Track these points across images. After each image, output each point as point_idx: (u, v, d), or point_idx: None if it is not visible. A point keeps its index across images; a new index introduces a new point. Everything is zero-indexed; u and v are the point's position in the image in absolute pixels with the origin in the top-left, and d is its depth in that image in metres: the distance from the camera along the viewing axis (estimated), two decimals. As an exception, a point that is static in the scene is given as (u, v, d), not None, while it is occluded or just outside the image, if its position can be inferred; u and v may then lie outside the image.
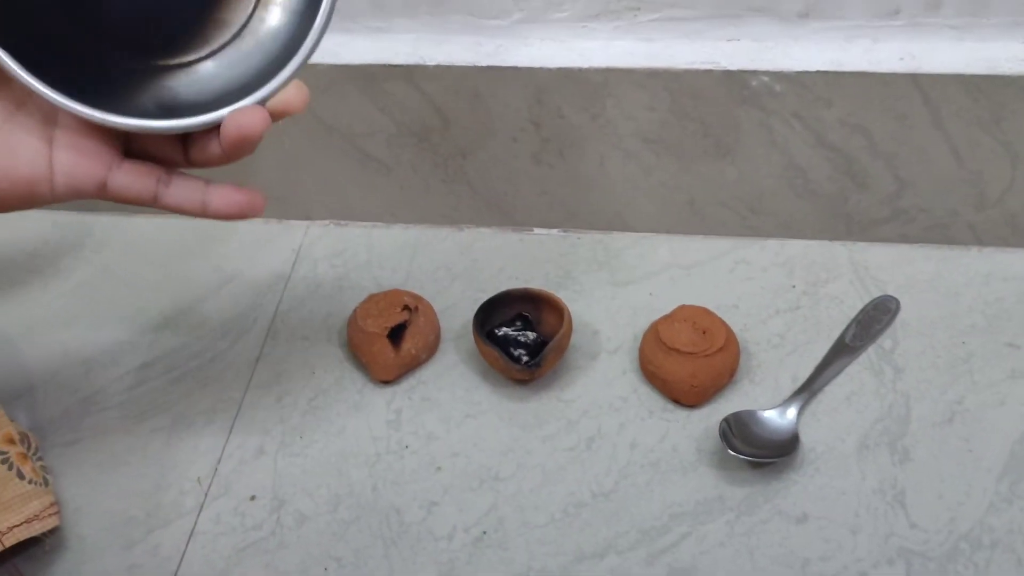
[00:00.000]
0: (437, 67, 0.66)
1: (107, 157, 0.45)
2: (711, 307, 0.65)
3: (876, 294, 0.68)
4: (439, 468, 0.61)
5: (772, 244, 0.72)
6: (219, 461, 0.62)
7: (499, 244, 0.75)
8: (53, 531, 0.57)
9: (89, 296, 0.74)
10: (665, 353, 0.62)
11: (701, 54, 0.64)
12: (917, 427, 0.60)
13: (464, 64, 0.66)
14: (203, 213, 0.47)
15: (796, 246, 0.72)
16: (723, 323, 0.64)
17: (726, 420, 0.60)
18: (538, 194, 0.73)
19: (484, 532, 0.58)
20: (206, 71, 0.48)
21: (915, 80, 0.62)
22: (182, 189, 0.46)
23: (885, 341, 0.65)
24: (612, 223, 0.74)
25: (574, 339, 0.66)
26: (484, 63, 0.66)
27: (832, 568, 0.54)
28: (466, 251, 0.75)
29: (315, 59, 0.66)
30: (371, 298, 0.67)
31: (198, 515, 0.59)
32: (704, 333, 0.62)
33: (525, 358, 0.64)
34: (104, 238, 0.78)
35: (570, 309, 0.65)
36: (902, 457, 0.59)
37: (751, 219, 0.72)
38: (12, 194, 0.44)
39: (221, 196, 0.47)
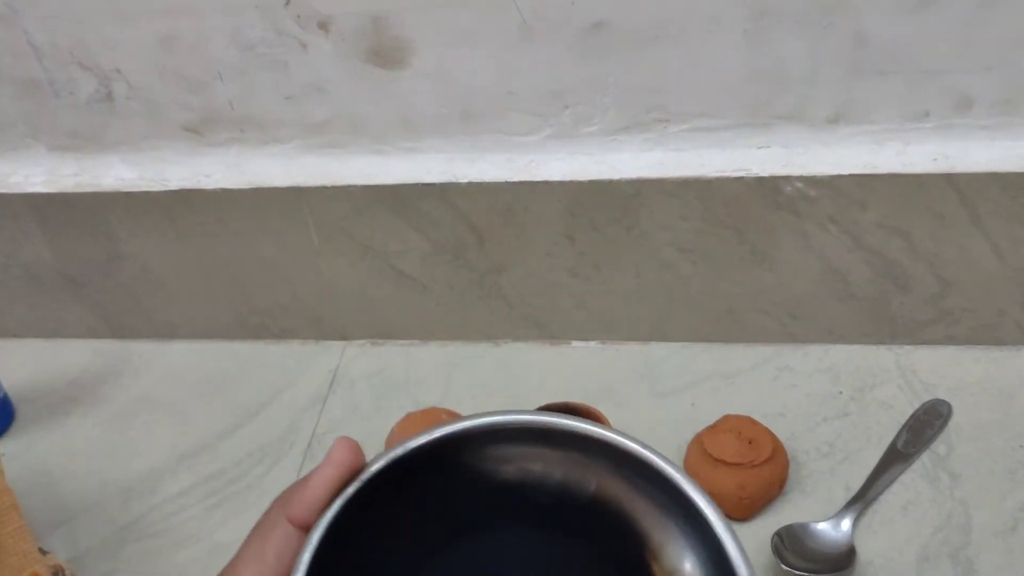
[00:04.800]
0: (470, 184, 0.67)
1: None
2: (756, 416, 0.64)
3: (926, 398, 0.66)
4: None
5: (815, 350, 0.71)
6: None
7: (537, 358, 0.75)
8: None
9: (128, 424, 0.73)
10: (711, 465, 0.60)
11: (732, 162, 0.64)
12: (979, 536, 0.58)
13: (496, 180, 0.66)
14: None
15: (840, 351, 0.70)
16: (769, 432, 0.62)
17: (778, 534, 0.57)
18: (575, 307, 0.73)
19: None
20: None
21: (950, 180, 0.61)
22: None
23: (939, 447, 0.63)
24: (651, 334, 0.73)
25: (616, 453, 0.64)
26: (516, 178, 0.66)
27: None
28: (503, 366, 0.74)
29: (348, 180, 0.68)
30: (409, 417, 0.66)
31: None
32: (751, 443, 0.61)
33: (567, 474, 0.62)
34: (143, 365, 0.78)
35: (611, 422, 0.63)
36: (966, 569, 0.56)
37: (792, 325, 0.71)
38: None
39: None
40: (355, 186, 0.68)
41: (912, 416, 0.65)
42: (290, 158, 0.70)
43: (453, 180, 0.67)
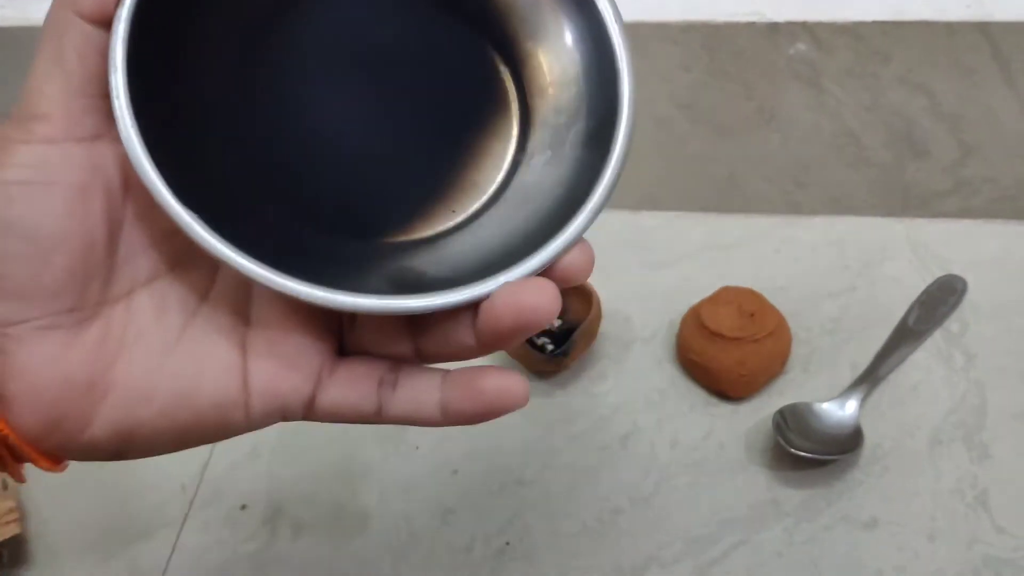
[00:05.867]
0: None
1: (316, 363, 0.32)
2: (756, 291, 0.58)
3: (938, 274, 0.61)
4: (455, 471, 0.54)
5: (820, 221, 0.65)
6: (206, 465, 0.55)
7: (516, 226, 0.69)
8: (13, 539, 0.50)
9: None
10: (708, 339, 0.55)
11: (743, 4, 0.57)
12: (995, 419, 0.53)
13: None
14: (440, 420, 0.32)
15: (847, 223, 0.65)
16: (772, 306, 0.57)
17: (780, 412, 0.53)
18: (559, 170, 0.66)
19: (507, 543, 0.51)
20: (456, 245, 0.35)
21: (983, 29, 0.55)
22: (413, 389, 0.32)
23: (952, 324, 0.58)
24: (642, 201, 0.67)
25: (603, 327, 0.59)
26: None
27: (911, 580, 0.47)
28: (480, 234, 0.68)
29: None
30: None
31: (182, 526, 0.52)
32: (752, 316, 0.55)
33: (551, 347, 0.57)
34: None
35: (599, 295, 0.58)
36: (981, 453, 0.52)
37: (796, 194, 0.65)
38: (196, 427, 0.32)
39: (467, 389, 0.31)
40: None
41: (925, 292, 0.60)
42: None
43: None
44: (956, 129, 0.59)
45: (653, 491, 0.52)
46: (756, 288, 0.59)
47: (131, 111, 0.29)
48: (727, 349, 0.54)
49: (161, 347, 0.32)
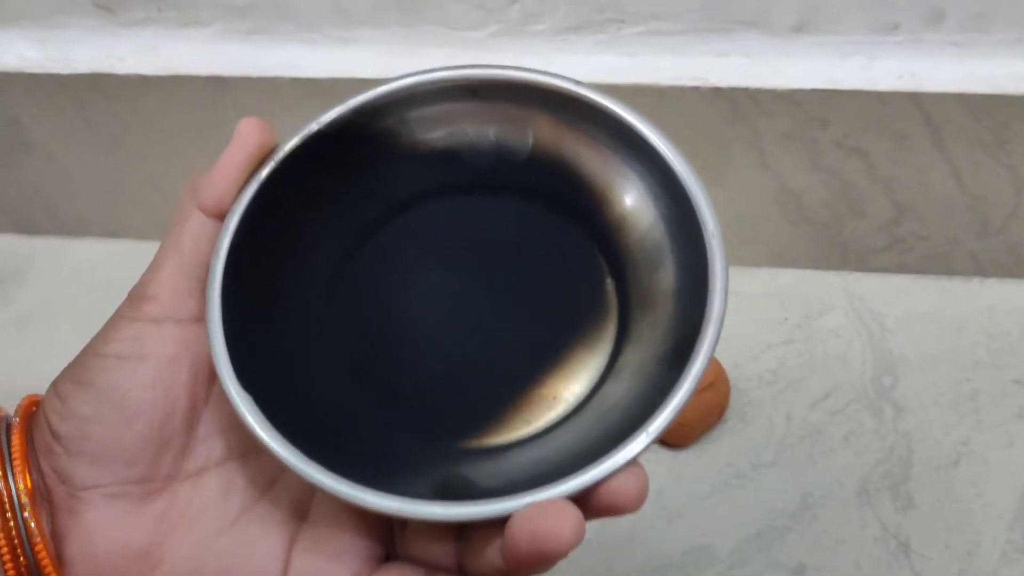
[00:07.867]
0: (407, 82, 0.62)
1: (356, 565, 0.32)
2: (698, 340, 0.61)
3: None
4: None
5: (763, 274, 0.68)
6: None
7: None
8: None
9: (30, 328, 0.68)
10: (650, 389, 0.57)
11: (688, 70, 0.60)
12: (920, 470, 0.56)
13: (436, 79, 0.61)
14: None
15: (788, 276, 0.67)
16: (712, 359, 0.59)
17: None
18: (514, 219, 0.69)
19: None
20: (519, 456, 0.33)
21: (915, 99, 0.58)
22: None
23: (884, 378, 0.61)
24: (592, 250, 0.70)
25: (552, 374, 0.61)
26: (457, 78, 0.61)
27: (833, 626, 0.50)
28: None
29: (273, 72, 0.63)
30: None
31: None
32: (692, 368, 0.58)
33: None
34: (48, 263, 0.73)
35: (548, 341, 0.60)
36: (905, 503, 0.55)
37: (740, 248, 0.67)
38: None
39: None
40: (282, 78, 0.62)
41: (859, 345, 0.62)
42: (211, 43, 0.64)
43: (389, 76, 0.62)
44: (890, 190, 0.62)
45: (592, 536, 0.54)
46: (699, 338, 0.61)
47: (220, 295, 0.31)
48: (667, 399, 0.57)
49: (217, 527, 0.33)
